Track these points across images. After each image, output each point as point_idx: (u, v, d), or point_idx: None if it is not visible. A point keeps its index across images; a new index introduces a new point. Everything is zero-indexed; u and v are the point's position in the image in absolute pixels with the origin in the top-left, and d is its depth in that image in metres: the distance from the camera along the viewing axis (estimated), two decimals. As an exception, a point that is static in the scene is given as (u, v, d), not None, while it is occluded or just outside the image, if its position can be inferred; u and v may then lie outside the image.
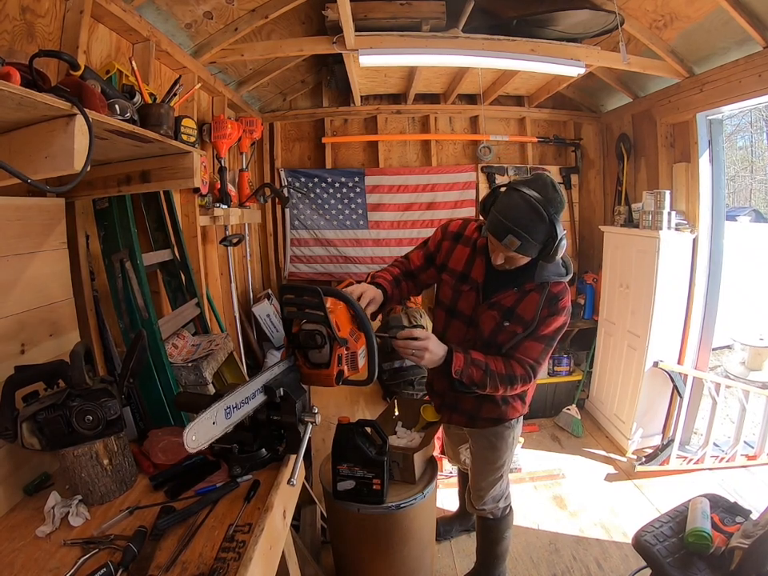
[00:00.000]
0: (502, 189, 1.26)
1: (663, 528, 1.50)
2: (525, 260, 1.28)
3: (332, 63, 3.01)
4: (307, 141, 3.51)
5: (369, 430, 1.45)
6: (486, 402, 1.48)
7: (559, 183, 3.57)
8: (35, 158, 0.81)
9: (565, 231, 1.22)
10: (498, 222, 1.20)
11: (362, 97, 3.28)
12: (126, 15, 1.52)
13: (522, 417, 1.62)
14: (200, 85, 2.16)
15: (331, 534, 1.73)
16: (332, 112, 3.43)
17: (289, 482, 1.02)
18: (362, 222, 3.44)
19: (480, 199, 1.45)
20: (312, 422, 1.11)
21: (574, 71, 2.41)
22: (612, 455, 2.78)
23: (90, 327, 1.39)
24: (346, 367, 1.18)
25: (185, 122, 1.31)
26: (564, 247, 1.23)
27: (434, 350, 1.26)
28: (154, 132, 1.08)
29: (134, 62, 1.37)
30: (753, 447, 2.66)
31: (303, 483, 1.69)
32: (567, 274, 1.35)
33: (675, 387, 2.62)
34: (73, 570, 0.81)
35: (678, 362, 2.71)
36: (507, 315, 1.35)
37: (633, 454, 2.75)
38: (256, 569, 0.81)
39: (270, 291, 3.27)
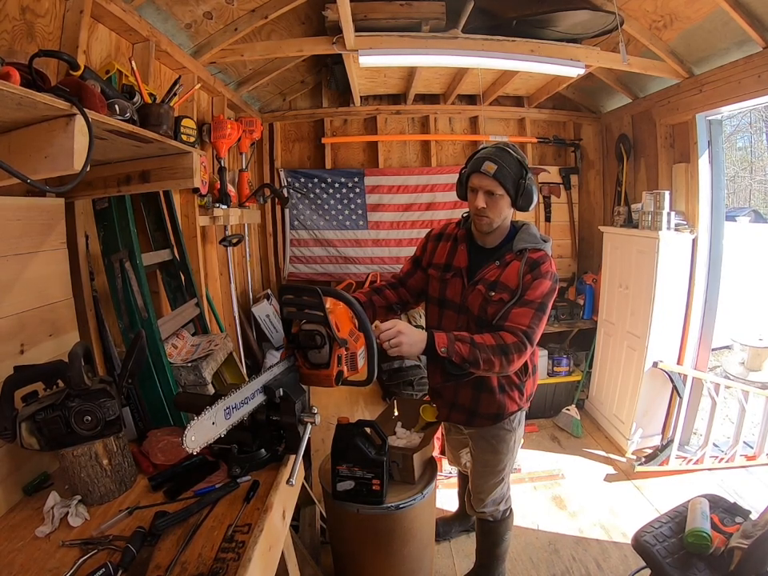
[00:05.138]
0: None
1: (663, 528, 1.50)
2: (505, 202, 1.36)
3: (332, 63, 3.01)
4: (307, 141, 3.51)
5: (368, 430, 1.45)
6: (484, 393, 1.48)
7: (559, 184, 3.63)
8: (35, 157, 0.81)
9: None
10: (475, 159, 1.38)
11: (361, 97, 3.28)
12: (125, 15, 1.52)
13: (523, 418, 1.62)
14: (200, 85, 2.16)
15: (330, 535, 1.73)
16: (332, 112, 3.43)
17: (288, 482, 1.02)
18: (361, 223, 3.44)
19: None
20: (311, 423, 1.11)
21: (574, 72, 2.42)
22: (611, 455, 2.78)
23: (90, 327, 1.39)
24: (345, 368, 1.18)
25: (184, 122, 1.32)
26: (536, 192, 1.38)
27: (407, 331, 1.25)
28: (153, 132, 1.08)
29: (133, 62, 1.37)
30: (752, 447, 2.66)
31: (303, 483, 1.68)
32: (545, 243, 1.43)
33: (675, 387, 2.62)
34: (72, 571, 0.81)
35: (678, 363, 2.71)
36: (492, 286, 1.39)
37: (632, 454, 2.75)
38: (255, 569, 0.81)
39: (269, 291, 3.27)
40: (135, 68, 1.34)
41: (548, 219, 3.61)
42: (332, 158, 3.47)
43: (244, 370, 2.23)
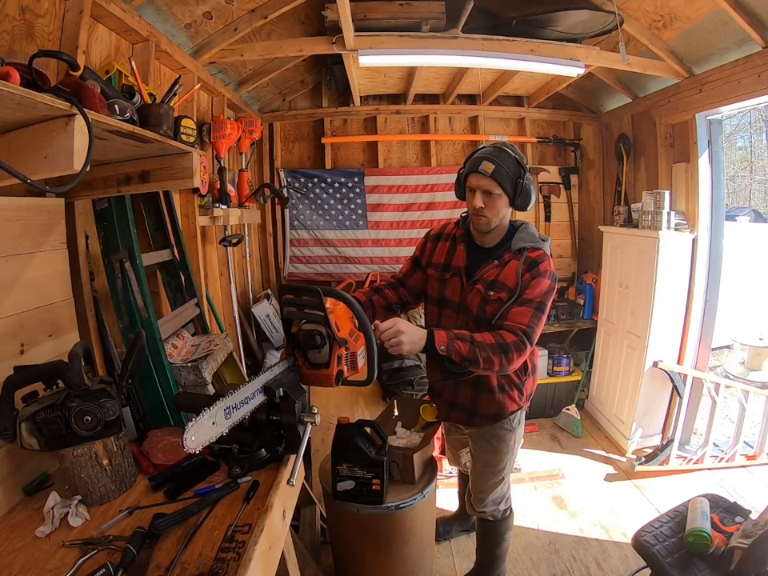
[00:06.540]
0: None
1: (663, 528, 1.50)
2: (503, 202, 1.37)
3: (331, 63, 3.00)
4: (307, 141, 3.51)
5: (368, 430, 1.45)
6: (484, 393, 1.48)
7: (559, 183, 3.63)
8: (35, 157, 0.81)
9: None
10: (473, 158, 1.38)
11: (361, 97, 3.28)
12: (125, 15, 1.52)
13: (523, 418, 1.62)
14: (199, 85, 2.16)
15: (331, 535, 1.73)
16: (332, 112, 3.43)
17: (288, 482, 1.02)
18: (361, 223, 3.44)
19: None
20: (311, 422, 1.11)
21: (574, 71, 2.42)
22: (612, 455, 2.78)
23: (90, 327, 1.39)
24: (345, 367, 1.18)
25: (184, 122, 1.32)
26: (534, 191, 1.38)
27: (407, 329, 1.25)
28: (153, 132, 1.08)
29: (133, 62, 1.37)
30: (752, 447, 2.66)
31: (303, 483, 1.69)
32: (543, 242, 1.43)
33: (675, 387, 2.62)
34: (72, 571, 0.81)
35: (678, 362, 2.71)
36: (491, 286, 1.40)
37: (632, 454, 2.75)
38: (255, 569, 0.81)
39: (269, 291, 3.27)
40: (135, 68, 1.34)
41: (548, 219, 3.61)
42: (332, 158, 3.47)
43: (244, 370, 2.23)
